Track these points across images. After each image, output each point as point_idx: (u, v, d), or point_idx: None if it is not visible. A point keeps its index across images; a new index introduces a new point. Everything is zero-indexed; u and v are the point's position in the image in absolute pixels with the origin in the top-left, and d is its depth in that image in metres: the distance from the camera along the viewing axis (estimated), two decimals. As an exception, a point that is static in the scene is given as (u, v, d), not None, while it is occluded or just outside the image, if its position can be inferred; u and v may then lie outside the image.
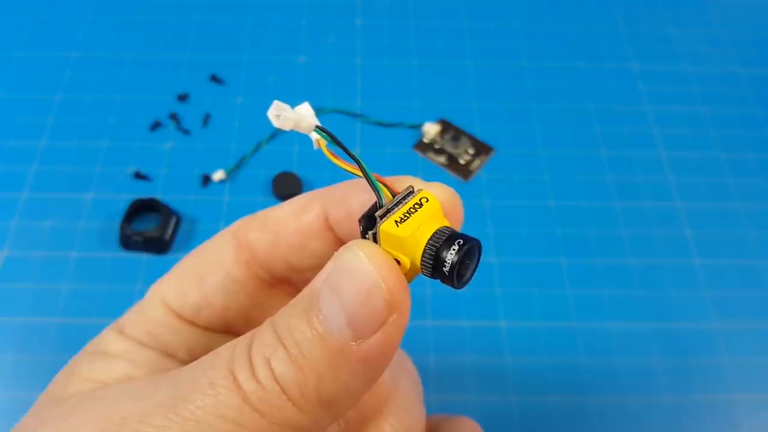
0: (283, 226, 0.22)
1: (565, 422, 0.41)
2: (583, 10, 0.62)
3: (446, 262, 0.17)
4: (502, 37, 0.60)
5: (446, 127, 0.53)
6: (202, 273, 0.23)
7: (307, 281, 0.18)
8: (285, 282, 0.24)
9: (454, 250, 0.17)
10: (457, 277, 0.17)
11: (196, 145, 0.52)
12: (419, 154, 0.52)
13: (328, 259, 0.17)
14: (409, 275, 0.18)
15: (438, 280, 0.18)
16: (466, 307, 0.45)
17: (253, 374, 0.16)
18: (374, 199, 0.18)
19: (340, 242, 0.21)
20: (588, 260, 0.47)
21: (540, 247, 0.48)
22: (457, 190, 0.21)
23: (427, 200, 0.18)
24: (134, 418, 0.16)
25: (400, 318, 0.17)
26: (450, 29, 0.60)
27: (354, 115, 0.53)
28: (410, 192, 0.19)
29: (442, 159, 0.52)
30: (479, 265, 0.18)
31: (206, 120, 0.53)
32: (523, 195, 0.50)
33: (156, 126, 0.53)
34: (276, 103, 0.18)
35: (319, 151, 0.18)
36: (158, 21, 0.59)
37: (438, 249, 0.17)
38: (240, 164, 0.51)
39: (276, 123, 0.18)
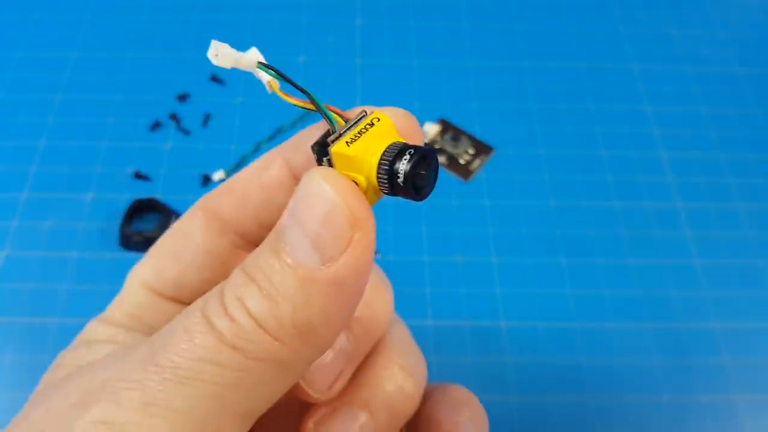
0: (247, 185, 0.22)
1: (565, 422, 0.41)
2: (583, 10, 0.62)
3: (399, 173, 0.17)
4: (502, 37, 0.60)
5: (446, 127, 0.53)
6: (176, 250, 0.22)
7: None
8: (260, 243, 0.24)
9: (405, 159, 0.17)
10: (414, 188, 0.17)
11: (196, 145, 0.52)
12: (419, 154, 0.52)
13: None
14: (370, 196, 0.17)
15: (399, 197, 0.17)
16: (466, 307, 0.45)
17: (226, 313, 0.16)
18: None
19: None
20: (588, 260, 0.47)
21: (540, 247, 0.48)
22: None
23: (379, 120, 0.18)
24: (115, 377, 0.16)
25: (365, 236, 0.16)
26: (450, 29, 0.60)
27: (354, 115, 0.53)
28: (362, 116, 0.18)
29: (442, 159, 0.52)
30: (437, 181, 0.18)
31: (206, 120, 0.53)
32: (523, 195, 0.50)
33: (156, 126, 0.53)
34: (214, 42, 0.18)
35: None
36: (158, 21, 0.59)
37: (391, 162, 0.17)
38: (240, 164, 0.51)
39: (215, 62, 0.18)
